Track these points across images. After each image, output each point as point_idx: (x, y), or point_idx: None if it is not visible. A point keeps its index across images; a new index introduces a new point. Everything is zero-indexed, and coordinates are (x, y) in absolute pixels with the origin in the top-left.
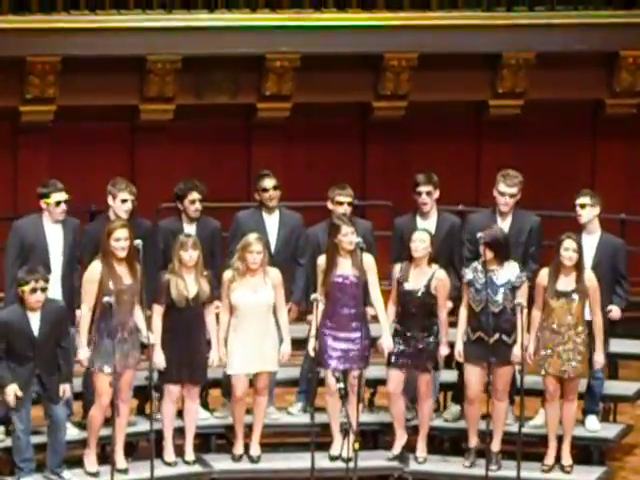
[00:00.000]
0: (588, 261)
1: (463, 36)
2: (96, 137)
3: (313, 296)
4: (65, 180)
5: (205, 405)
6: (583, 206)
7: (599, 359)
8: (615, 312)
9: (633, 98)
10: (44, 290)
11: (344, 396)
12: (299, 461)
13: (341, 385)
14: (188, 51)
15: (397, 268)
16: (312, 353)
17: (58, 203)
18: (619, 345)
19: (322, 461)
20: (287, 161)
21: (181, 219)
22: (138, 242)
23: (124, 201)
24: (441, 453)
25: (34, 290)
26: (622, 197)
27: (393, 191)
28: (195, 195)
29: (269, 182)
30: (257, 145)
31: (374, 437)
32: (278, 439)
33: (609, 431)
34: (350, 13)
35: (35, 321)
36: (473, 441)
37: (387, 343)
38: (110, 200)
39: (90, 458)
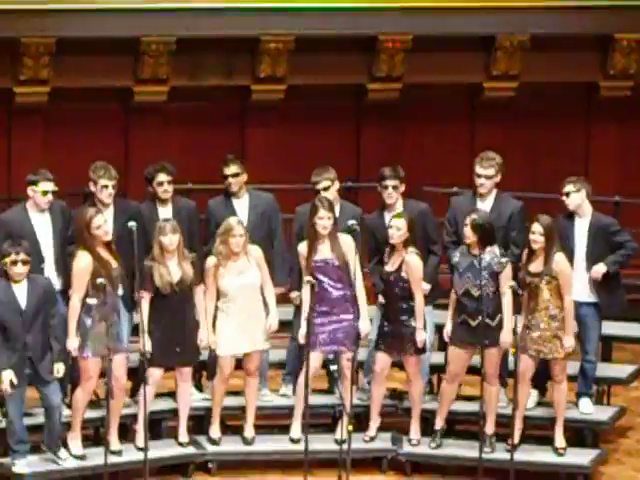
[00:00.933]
0: (582, 243)
1: (457, 18)
2: (90, 118)
3: (307, 278)
4: (59, 161)
5: (199, 387)
6: (568, 194)
7: (567, 342)
8: (595, 270)
9: (627, 81)
10: (25, 263)
11: (337, 378)
12: (292, 443)
13: (334, 367)
14: (182, 33)
15: (386, 251)
16: (302, 340)
17: (45, 193)
18: (613, 328)
19: (316, 443)
20: (281, 143)
21: (155, 203)
22: (132, 224)
23: (105, 187)
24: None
25: (14, 262)
26: (616, 179)
27: None
28: (162, 177)
29: (228, 170)
30: (251, 127)
31: (368, 419)
32: (271, 421)
33: (603, 414)
34: None
35: (22, 294)
36: (439, 423)
37: (362, 327)
38: (92, 187)
39: (75, 441)
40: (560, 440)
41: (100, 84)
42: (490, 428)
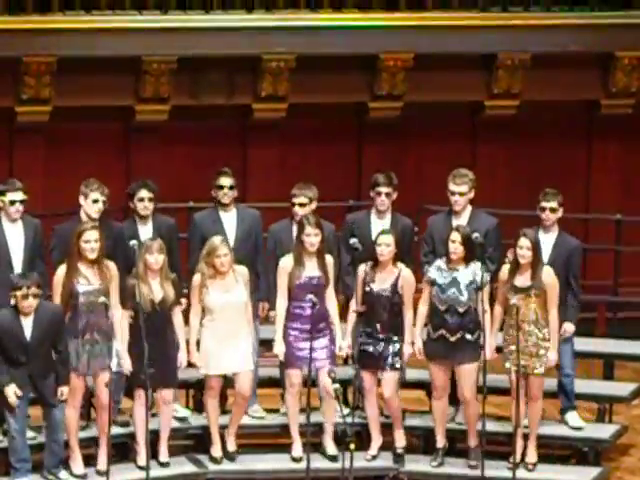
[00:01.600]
0: (544, 259)
1: (459, 36)
2: (91, 138)
3: (309, 296)
4: (60, 181)
5: (200, 408)
6: (553, 210)
7: (551, 356)
8: (569, 329)
9: (628, 98)
10: (36, 296)
11: (338, 397)
12: (294, 461)
13: (337, 386)
14: (184, 52)
15: (361, 268)
16: (280, 357)
17: (13, 202)
18: (614, 346)
19: (317, 461)
20: (283, 162)
21: (135, 220)
22: (134, 243)
23: (95, 201)
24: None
25: (25, 296)
26: (617, 197)
27: None
28: (144, 193)
29: (226, 180)
30: (253, 146)
31: (369, 437)
32: (272, 440)
33: (605, 432)
34: (346, 13)
35: (28, 325)
36: (441, 441)
37: (342, 345)
38: (82, 200)
39: (76, 461)
40: (532, 455)
41: (101, 103)
42: (473, 442)
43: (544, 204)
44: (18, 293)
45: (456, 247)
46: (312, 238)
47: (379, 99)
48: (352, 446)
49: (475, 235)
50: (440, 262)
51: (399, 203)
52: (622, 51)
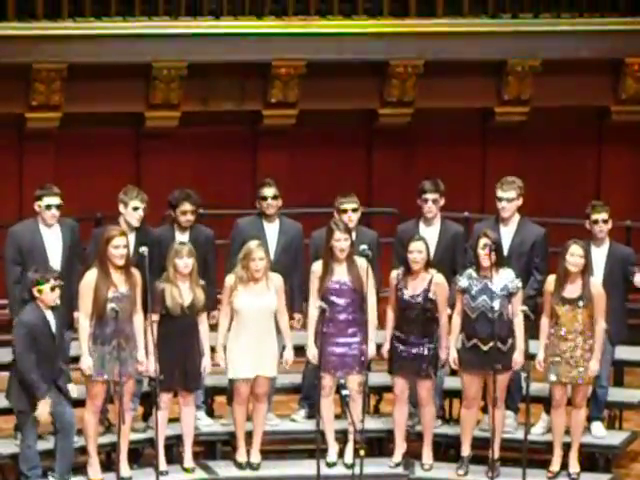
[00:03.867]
0: (599, 271)
1: (469, 43)
2: (102, 144)
3: (318, 303)
4: (70, 187)
5: (210, 412)
6: (606, 221)
7: (593, 367)
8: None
9: (639, 105)
10: (61, 288)
11: (348, 403)
12: (304, 468)
13: (346, 392)
14: (194, 58)
15: (394, 274)
16: (312, 360)
17: (48, 207)
18: (624, 352)
19: (327, 468)
20: (292, 168)
21: (174, 227)
22: (144, 249)
23: (135, 209)
24: (447, 460)
25: (54, 288)
26: (627, 204)
27: (399, 198)
28: (187, 206)
29: (269, 191)
30: (263, 152)
31: (380, 444)
32: (283, 446)
33: (615, 438)
34: (356, 20)
35: (51, 319)
36: (467, 450)
37: (371, 352)
38: (122, 208)
39: (93, 467)
40: (574, 465)
41: (111, 109)
42: (496, 453)
43: (595, 216)
44: (46, 286)
45: (488, 254)
46: (342, 243)
47: (389, 105)
48: (362, 452)
49: (494, 239)
50: (470, 270)
51: (409, 209)
52: (632, 57)
